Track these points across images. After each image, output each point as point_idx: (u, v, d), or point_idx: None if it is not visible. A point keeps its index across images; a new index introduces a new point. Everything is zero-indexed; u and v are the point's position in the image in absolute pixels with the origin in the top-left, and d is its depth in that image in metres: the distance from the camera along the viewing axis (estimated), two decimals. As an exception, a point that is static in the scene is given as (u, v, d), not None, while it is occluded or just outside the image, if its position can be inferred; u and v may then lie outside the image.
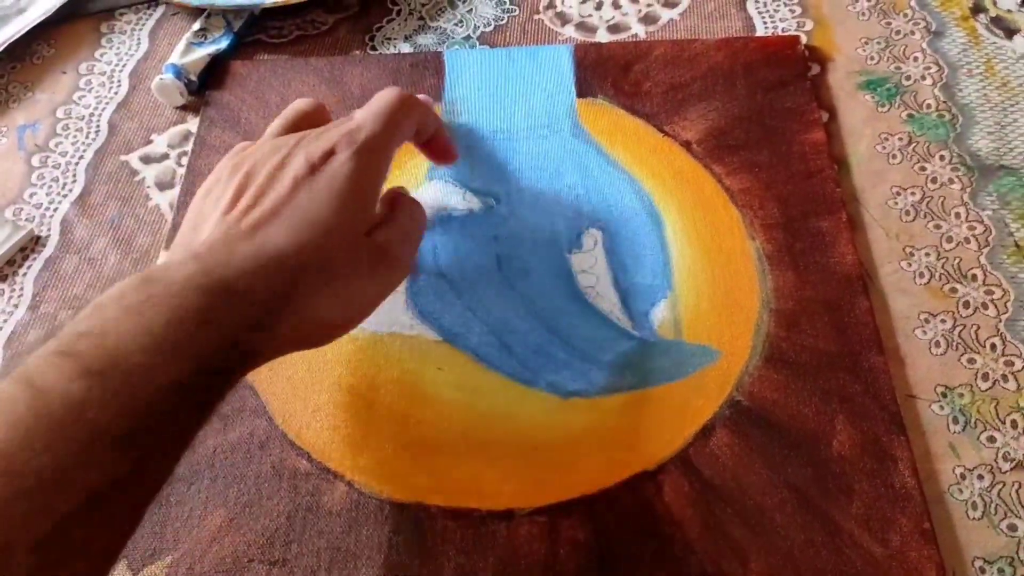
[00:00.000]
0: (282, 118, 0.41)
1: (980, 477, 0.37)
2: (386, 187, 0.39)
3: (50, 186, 0.50)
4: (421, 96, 0.43)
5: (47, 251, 0.47)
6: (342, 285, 0.35)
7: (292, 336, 0.34)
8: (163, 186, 0.50)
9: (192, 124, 0.52)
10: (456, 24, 0.56)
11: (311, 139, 0.37)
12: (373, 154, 0.37)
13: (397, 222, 0.38)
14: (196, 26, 0.55)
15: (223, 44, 0.55)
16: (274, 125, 0.41)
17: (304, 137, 0.38)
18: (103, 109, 0.54)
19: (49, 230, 0.48)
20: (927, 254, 0.43)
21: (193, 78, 0.53)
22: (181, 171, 0.50)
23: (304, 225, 0.34)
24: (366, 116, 0.38)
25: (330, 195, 0.35)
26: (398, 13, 0.57)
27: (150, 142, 0.52)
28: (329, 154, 0.36)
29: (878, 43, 0.52)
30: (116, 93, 0.54)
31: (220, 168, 0.39)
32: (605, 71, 0.51)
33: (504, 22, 0.56)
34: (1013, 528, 0.36)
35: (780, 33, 0.53)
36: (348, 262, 0.35)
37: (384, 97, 0.40)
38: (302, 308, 0.33)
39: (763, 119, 0.48)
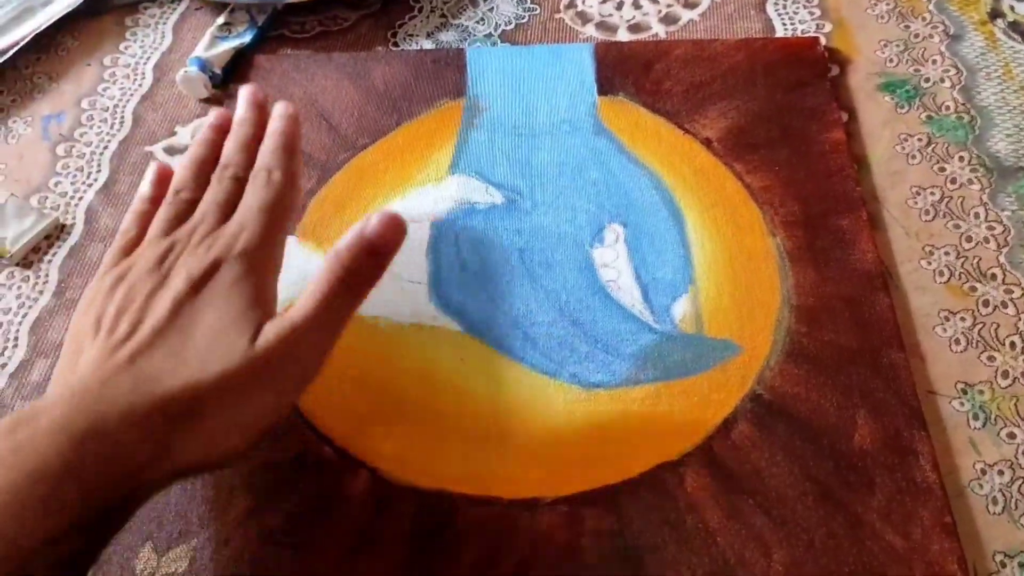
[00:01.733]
0: (191, 163, 0.41)
1: (1000, 472, 0.37)
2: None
3: (75, 175, 0.51)
4: (282, 110, 0.43)
5: (72, 239, 0.48)
6: (229, 415, 0.33)
7: (179, 469, 0.32)
8: (187, 177, 0.50)
9: (216, 116, 0.52)
10: (478, 22, 0.57)
11: (191, 252, 0.36)
12: (257, 260, 0.36)
13: (294, 323, 0.34)
14: (220, 20, 0.56)
15: (247, 38, 0.55)
16: (184, 172, 0.41)
17: (186, 246, 0.37)
18: (127, 101, 0.54)
19: (74, 218, 0.49)
20: (947, 253, 0.44)
21: (217, 71, 0.53)
22: (205, 162, 0.50)
23: (184, 357, 0.32)
24: (243, 219, 0.37)
25: (213, 319, 0.34)
26: (420, 10, 0.58)
27: (174, 133, 0.52)
28: (212, 269, 0.35)
29: (897, 46, 0.52)
30: (140, 85, 0.55)
31: (100, 279, 0.38)
32: (626, 69, 0.52)
33: (525, 20, 0.57)
34: (1033, 523, 0.36)
35: (800, 35, 0.54)
36: (238, 388, 0.33)
37: (258, 195, 0.38)
38: (185, 445, 0.32)
39: (783, 118, 0.49)
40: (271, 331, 0.34)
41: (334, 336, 0.35)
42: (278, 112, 0.43)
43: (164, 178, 0.42)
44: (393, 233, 0.36)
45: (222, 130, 0.43)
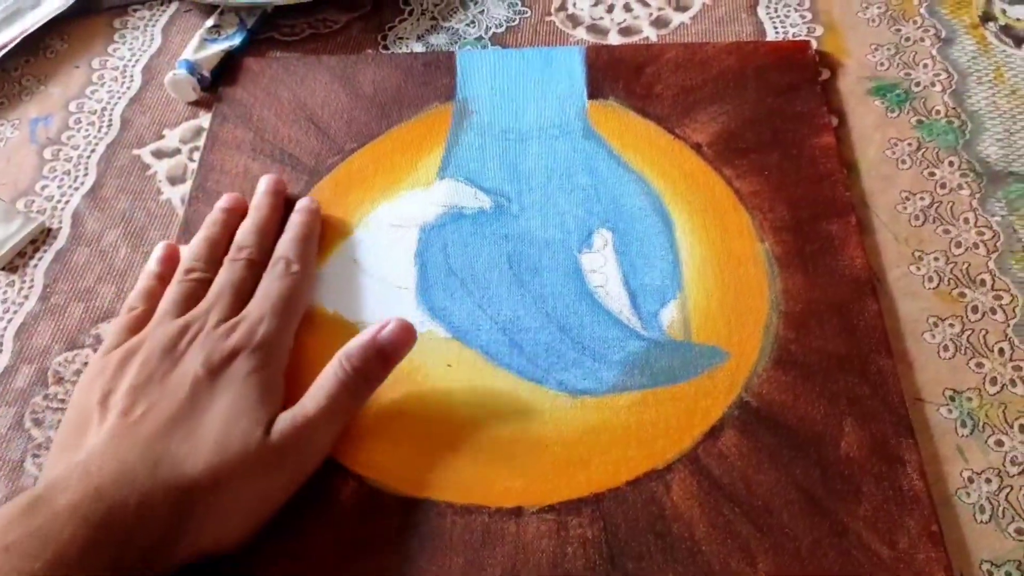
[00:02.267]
0: (204, 241, 0.43)
1: (988, 480, 0.37)
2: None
3: (62, 179, 0.50)
4: (306, 204, 0.45)
5: (58, 243, 0.48)
6: (242, 500, 0.34)
7: (191, 553, 0.33)
8: (175, 181, 0.50)
9: (204, 120, 0.52)
10: (468, 24, 0.57)
11: (209, 334, 0.38)
12: (274, 351, 0.38)
13: (306, 416, 0.36)
14: (209, 23, 0.56)
15: (236, 41, 0.55)
16: (195, 251, 0.42)
17: (201, 328, 0.38)
18: (115, 104, 0.54)
19: (60, 222, 0.48)
20: (936, 258, 0.43)
21: (206, 74, 0.53)
22: (193, 166, 0.50)
23: (201, 442, 0.34)
24: (263, 310, 0.39)
25: (232, 405, 0.35)
26: (410, 13, 0.57)
27: (162, 137, 0.52)
28: (231, 357, 0.37)
29: (888, 49, 0.52)
30: (128, 88, 0.55)
31: (106, 355, 0.38)
32: (616, 73, 0.52)
33: (516, 23, 0.56)
34: (1021, 532, 0.36)
35: (791, 38, 0.53)
36: (252, 475, 0.34)
37: (276, 285, 0.40)
38: (201, 529, 0.33)
39: (773, 123, 0.48)
40: (285, 423, 0.36)
41: (341, 426, 0.38)
42: (302, 205, 0.45)
43: (172, 256, 0.43)
44: (405, 340, 0.39)
45: (233, 212, 0.45)
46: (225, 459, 0.33)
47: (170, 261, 0.43)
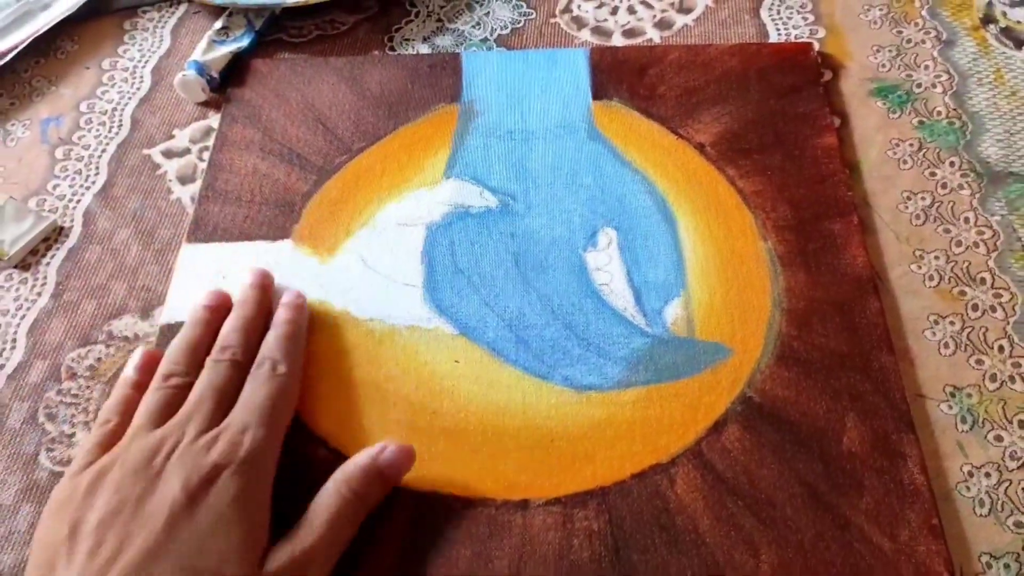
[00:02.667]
0: (183, 346, 0.39)
1: (987, 475, 0.38)
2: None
3: (73, 178, 0.51)
4: (291, 299, 0.42)
5: (70, 241, 0.48)
6: None
7: None
8: (185, 180, 0.50)
9: (213, 120, 0.53)
10: (473, 26, 0.57)
11: (188, 449, 0.34)
12: (260, 466, 0.35)
13: (304, 547, 0.33)
14: (218, 24, 0.56)
15: (244, 42, 0.56)
16: (174, 354, 0.39)
17: (179, 441, 0.34)
18: (126, 104, 0.55)
19: (72, 221, 0.49)
20: (936, 257, 0.44)
21: (215, 75, 0.53)
22: (203, 166, 0.51)
23: (190, 565, 0.30)
24: (247, 418, 0.35)
25: (218, 538, 0.31)
26: (416, 15, 0.58)
27: (172, 137, 0.53)
28: (212, 475, 0.33)
29: (890, 51, 0.53)
30: (139, 89, 0.55)
31: (75, 477, 0.34)
32: (620, 74, 0.52)
33: (521, 25, 0.57)
34: (1019, 525, 0.36)
35: (793, 40, 0.54)
36: None
37: (262, 390, 0.37)
38: None
39: (776, 123, 0.49)
40: (283, 559, 0.32)
41: (341, 550, 0.35)
42: (287, 300, 0.42)
43: (151, 364, 0.39)
44: (406, 464, 0.37)
45: (216, 310, 0.42)
46: None
47: (149, 368, 0.39)
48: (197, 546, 0.31)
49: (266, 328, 0.41)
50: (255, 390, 0.37)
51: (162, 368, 0.39)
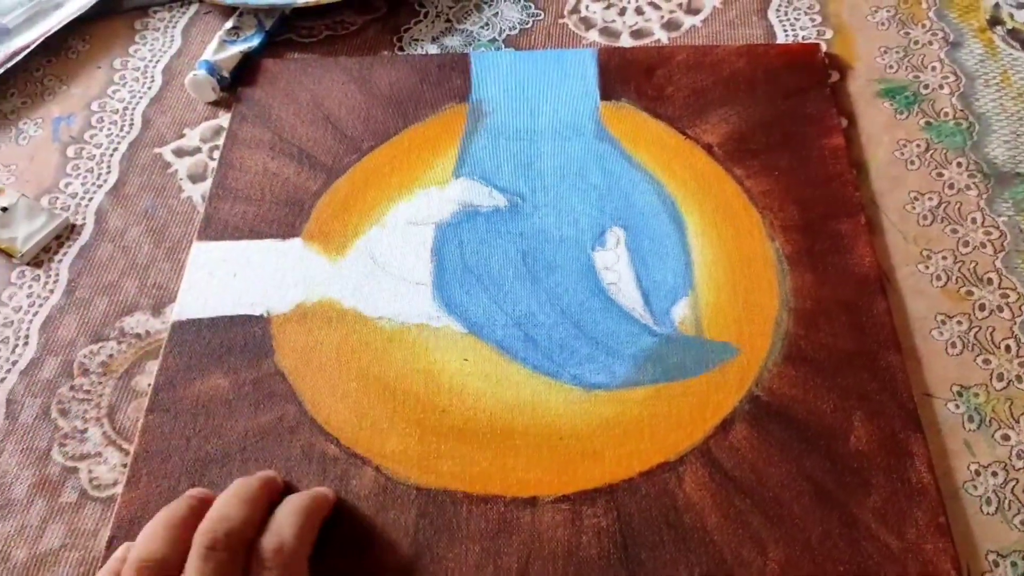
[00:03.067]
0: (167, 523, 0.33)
1: (994, 474, 0.38)
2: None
3: (85, 176, 0.51)
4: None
5: (82, 239, 0.49)
6: None
7: None
8: (195, 178, 0.51)
9: (224, 119, 0.53)
10: (482, 27, 0.57)
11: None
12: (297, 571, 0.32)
13: None
14: (229, 24, 0.57)
15: (255, 42, 0.56)
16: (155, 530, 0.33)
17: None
18: (137, 103, 0.55)
19: (84, 219, 0.49)
20: (944, 257, 0.44)
21: (226, 75, 0.54)
22: (213, 164, 0.51)
23: None
24: (284, 530, 0.33)
25: None
26: (425, 15, 0.58)
27: (183, 136, 0.53)
28: None
29: (897, 52, 0.53)
30: (149, 88, 0.56)
31: None
32: (628, 75, 0.53)
33: (529, 26, 0.57)
34: (1026, 523, 0.36)
35: (801, 41, 0.54)
36: None
37: (295, 502, 0.34)
38: None
39: (783, 124, 0.49)
40: None
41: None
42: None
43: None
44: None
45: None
46: None
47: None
48: None
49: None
50: (289, 505, 0.35)
51: (137, 552, 0.32)
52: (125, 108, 0.55)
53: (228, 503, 0.34)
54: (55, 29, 0.58)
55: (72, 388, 0.43)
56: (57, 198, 0.50)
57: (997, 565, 0.35)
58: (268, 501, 0.35)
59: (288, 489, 0.38)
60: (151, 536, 0.32)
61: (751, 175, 0.48)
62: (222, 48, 0.55)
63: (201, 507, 0.34)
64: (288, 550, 0.32)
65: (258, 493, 0.35)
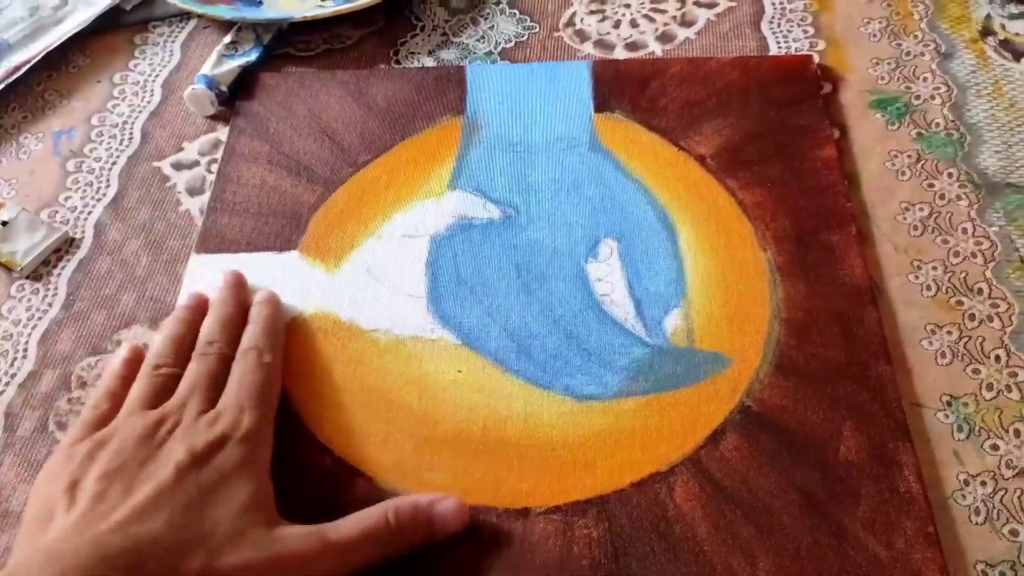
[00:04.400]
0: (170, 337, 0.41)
1: (983, 484, 0.38)
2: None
3: (84, 190, 0.52)
4: (264, 296, 0.44)
5: (81, 252, 0.49)
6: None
7: None
8: (194, 192, 0.51)
9: (222, 133, 0.54)
10: (478, 40, 0.58)
11: (188, 428, 0.35)
12: (259, 444, 0.36)
13: (325, 537, 0.34)
14: (227, 39, 0.57)
15: (253, 56, 0.57)
16: (162, 347, 0.41)
17: (179, 421, 0.36)
18: (136, 117, 0.56)
19: (83, 232, 0.50)
20: (934, 268, 0.44)
21: (224, 89, 0.54)
22: (211, 178, 0.52)
23: (192, 534, 0.31)
24: (241, 401, 0.37)
25: (223, 487, 0.33)
26: (422, 29, 0.59)
27: (181, 149, 0.54)
28: (217, 445, 0.34)
29: (889, 63, 0.53)
30: (149, 102, 0.56)
31: (69, 448, 0.35)
32: (622, 87, 0.53)
33: (524, 39, 0.58)
34: (1015, 533, 0.37)
35: (793, 53, 0.55)
36: (245, 558, 0.31)
37: (251, 376, 0.39)
38: None
39: (776, 135, 0.50)
40: (301, 531, 0.34)
41: (356, 567, 0.35)
42: (262, 297, 0.44)
43: (137, 358, 0.41)
44: (456, 522, 0.37)
45: (196, 310, 0.44)
46: (228, 562, 0.31)
47: (135, 362, 0.41)
48: (204, 496, 0.32)
49: (244, 323, 0.43)
50: (244, 376, 0.39)
51: (150, 359, 0.40)
52: (125, 122, 0.55)
53: (212, 323, 0.42)
54: (56, 44, 0.58)
55: (70, 401, 0.43)
56: (57, 212, 0.51)
57: (986, 575, 0.36)
58: (243, 320, 0.43)
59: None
60: (160, 346, 0.41)
61: (744, 186, 0.48)
62: (221, 62, 0.56)
63: (196, 316, 0.43)
64: (264, 356, 0.40)
65: (233, 311, 0.43)
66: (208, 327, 0.42)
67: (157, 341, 0.42)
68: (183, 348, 0.41)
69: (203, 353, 0.40)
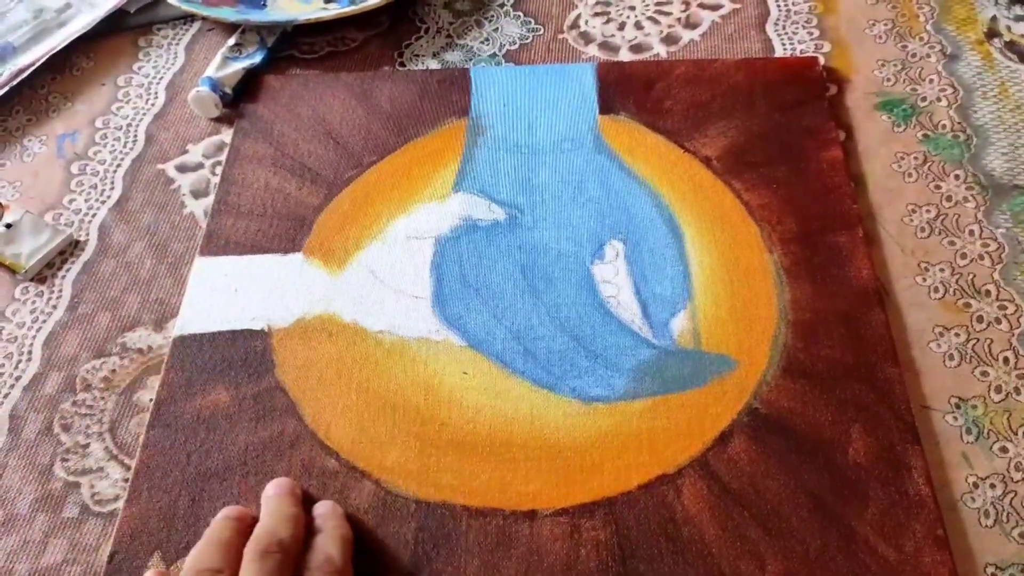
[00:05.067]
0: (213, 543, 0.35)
1: (992, 486, 0.38)
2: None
3: (88, 192, 0.52)
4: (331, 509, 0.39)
5: (85, 255, 0.49)
6: None
7: None
8: (198, 194, 0.51)
9: (226, 135, 0.54)
10: (482, 42, 0.58)
11: None
12: None
13: None
14: (231, 41, 0.57)
15: (257, 59, 0.56)
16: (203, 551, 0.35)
17: None
18: (140, 120, 0.55)
19: (87, 235, 0.50)
20: (942, 270, 0.44)
21: (228, 91, 0.54)
22: (215, 180, 0.52)
23: None
24: (330, 547, 0.36)
25: None
26: (426, 31, 0.59)
27: (186, 152, 0.54)
28: None
29: (895, 65, 0.53)
30: (153, 105, 0.56)
31: None
32: (627, 89, 0.53)
33: (529, 41, 0.58)
34: (1025, 536, 0.36)
35: (798, 55, 0.55)
36: None
37: (332, 515, 0.37)
38: None
39: (781, 137, 0.49)
40: None
41: None
42: (332, 511, 0.38)
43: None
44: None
45: (239, 520, 0.38)
46: None
47: None
48: None
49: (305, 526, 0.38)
50: (328, 518, 0.37)
51: (193, 563, 0.35)
52: (129, 124, 0.55)
53: (275, 522, 0.36)
54: (60, 47, 0.58)
55: (75, 403, 0.43)
56: (61, 214, 0.51)
57: (995, 577, 0.36)
58: (304, 518, 0.37)
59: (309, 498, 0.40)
60: (203, 551, 0.35)
61: (749, 188, 0.48)
62: (225, 65, 0.56)
63: (240, 525, 0.37)
64: (338, 565, 0.35)
65: (297, 511, 0.37)
66: (273, 522, 0.36)
67: (199, 547, 0.36)
68: (230, 552, 0.35)
69: (265, 551, 0.34)
